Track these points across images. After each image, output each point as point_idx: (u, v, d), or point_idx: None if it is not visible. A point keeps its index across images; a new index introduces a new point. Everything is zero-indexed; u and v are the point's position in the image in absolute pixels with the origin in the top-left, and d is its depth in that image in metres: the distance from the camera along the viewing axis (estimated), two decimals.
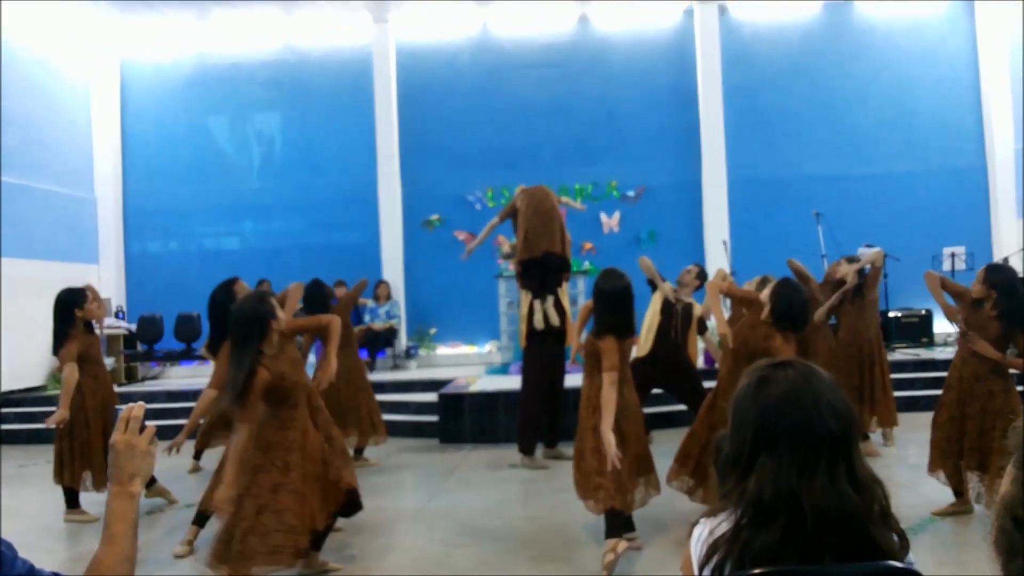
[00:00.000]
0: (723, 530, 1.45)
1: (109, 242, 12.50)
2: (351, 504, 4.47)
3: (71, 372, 5.74)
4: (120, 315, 12.06)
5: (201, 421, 6.40)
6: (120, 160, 12.80)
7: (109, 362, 11.23)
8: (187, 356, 11.26)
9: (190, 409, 9.64)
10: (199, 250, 12.86)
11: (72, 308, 5.92)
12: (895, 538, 1.43)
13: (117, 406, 6.08)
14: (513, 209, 7.77)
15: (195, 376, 11.79)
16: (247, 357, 3.93)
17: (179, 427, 9.33)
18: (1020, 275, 9.94)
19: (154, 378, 11.93)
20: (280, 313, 4.15)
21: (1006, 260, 10.03)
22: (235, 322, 4.03)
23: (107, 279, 12.27)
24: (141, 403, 1.69)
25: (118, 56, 12.85)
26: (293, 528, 3.96)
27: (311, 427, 4.34)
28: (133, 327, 11.65)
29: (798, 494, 1.38)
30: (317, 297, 6.83)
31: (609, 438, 4.27)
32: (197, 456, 7.57)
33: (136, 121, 12.89)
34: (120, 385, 10.95)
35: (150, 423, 1.70)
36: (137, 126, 12.89)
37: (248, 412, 3.93)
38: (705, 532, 1.50)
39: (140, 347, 11.49)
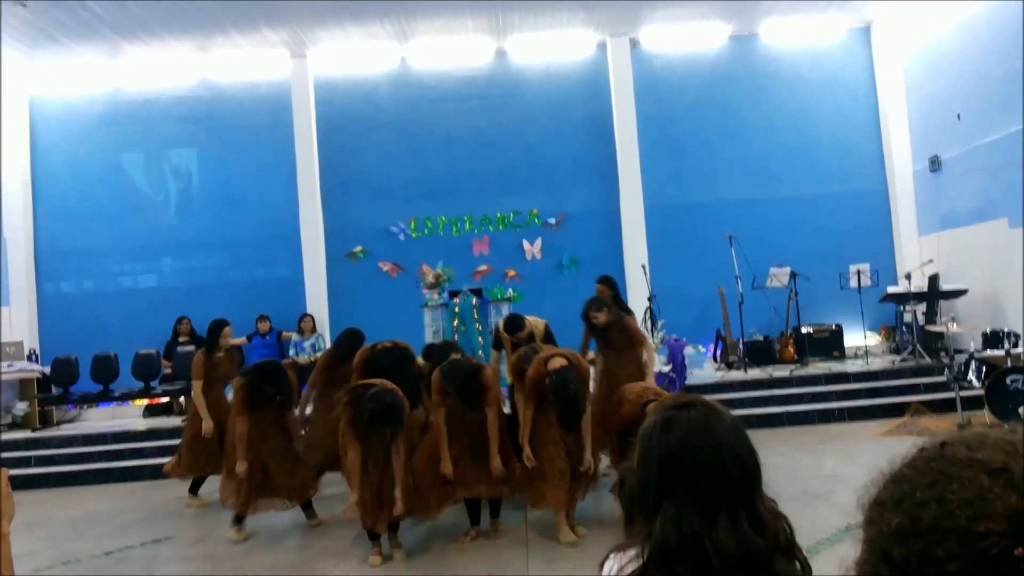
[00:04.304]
0: (632, 568, 1.48)
1: (20, 283, 12.13)
2: None
3: None
4: (33, 357, 11.70)
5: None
6: (30, 199, 12.46)
7: (22, 406, 10.92)
8: (104, 397, 10.95)
9: (108, 452, 9.51)
10: (115, 289, 12.57)
11: None
12: (798, 566, 1.47)
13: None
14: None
15: (113, 418, 11.51)
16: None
17: (98, 471, 9.24)
18: (927, 288, 10.53)
19: (70, 421, 11.56)
20: None
21: (908, 276, 10.58)
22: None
23: (19, 321, 11.91)
24: None
25: (26, 93, 12.56)
26: None
27: None
28: (47, 370, 11.30)
29: (702, 539, 1.41)
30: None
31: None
32: (194, 490, 7.44)
33: (46, 159, 12.59)
34: (35, 430, 10.61)
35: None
36: (47, 164, 12.59)
37: None
38: (615, 568, 1.52)
39: (55, 390, 11.13)
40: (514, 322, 6.85)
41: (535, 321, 7.18)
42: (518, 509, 6.30)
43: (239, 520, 6.33)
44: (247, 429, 6.14)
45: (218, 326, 7.25)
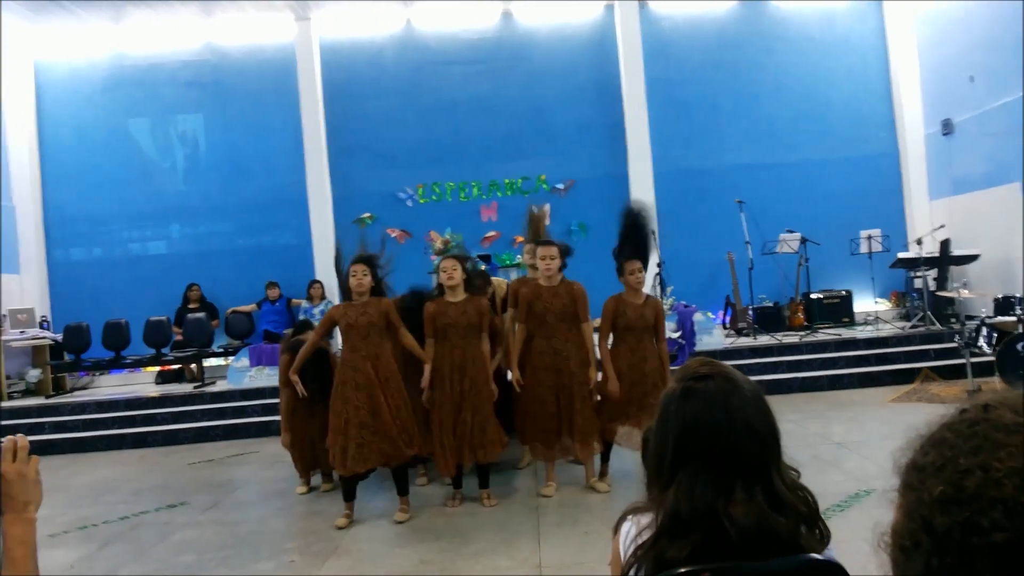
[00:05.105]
0: (647, 535, 1.48)
1: (30, 251, 12.15)
2: None
3: None
4: (45, 325, 11.75)
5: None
6: (38, 166, 12.44)
7: (35, 373, 11.00)
8: (116, 364, 11.03)
9: (121, 419, 9.58)
10: (125, 256, 12.59)
11: None
12: (818, 534, 1.47)
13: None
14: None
15: (126, 384, 11.61)
16: None
17: (111, 437, 9.32)
18: (938, 254, 10.46)
19: (83, 388, 11.66)
20: None
21: (919, 241, 10.52)
22: None
23: (29, 288, 11.96)
24: (22, 435, 1.71)
25: (31, 59, 12.47)
26: None
27: None
28: (59, 337, 11.36)
29: (718, 514, 1.41)
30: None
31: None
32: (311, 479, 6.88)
33: (53, 125, 12.54)
34: (48, 396, 10.71)
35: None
36: (54, 130, 12.54)
37: None
38: (633, 531, 1.53)
39: (67, 357, 11.21)
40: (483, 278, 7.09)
41: (498, 281, 7.57)
42: (529, 475, 6.36)
43: (323, 476, 6.74)
44: (291, 405, 6.41)
45: (302, 327, 7.22)
